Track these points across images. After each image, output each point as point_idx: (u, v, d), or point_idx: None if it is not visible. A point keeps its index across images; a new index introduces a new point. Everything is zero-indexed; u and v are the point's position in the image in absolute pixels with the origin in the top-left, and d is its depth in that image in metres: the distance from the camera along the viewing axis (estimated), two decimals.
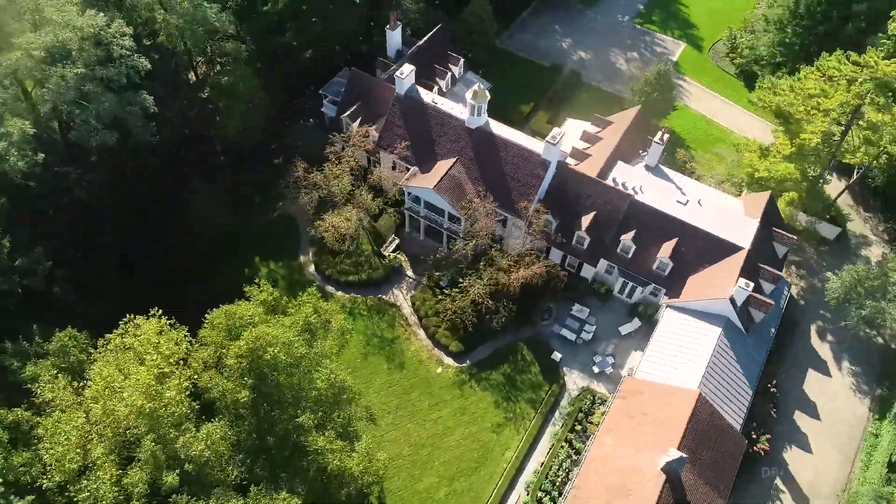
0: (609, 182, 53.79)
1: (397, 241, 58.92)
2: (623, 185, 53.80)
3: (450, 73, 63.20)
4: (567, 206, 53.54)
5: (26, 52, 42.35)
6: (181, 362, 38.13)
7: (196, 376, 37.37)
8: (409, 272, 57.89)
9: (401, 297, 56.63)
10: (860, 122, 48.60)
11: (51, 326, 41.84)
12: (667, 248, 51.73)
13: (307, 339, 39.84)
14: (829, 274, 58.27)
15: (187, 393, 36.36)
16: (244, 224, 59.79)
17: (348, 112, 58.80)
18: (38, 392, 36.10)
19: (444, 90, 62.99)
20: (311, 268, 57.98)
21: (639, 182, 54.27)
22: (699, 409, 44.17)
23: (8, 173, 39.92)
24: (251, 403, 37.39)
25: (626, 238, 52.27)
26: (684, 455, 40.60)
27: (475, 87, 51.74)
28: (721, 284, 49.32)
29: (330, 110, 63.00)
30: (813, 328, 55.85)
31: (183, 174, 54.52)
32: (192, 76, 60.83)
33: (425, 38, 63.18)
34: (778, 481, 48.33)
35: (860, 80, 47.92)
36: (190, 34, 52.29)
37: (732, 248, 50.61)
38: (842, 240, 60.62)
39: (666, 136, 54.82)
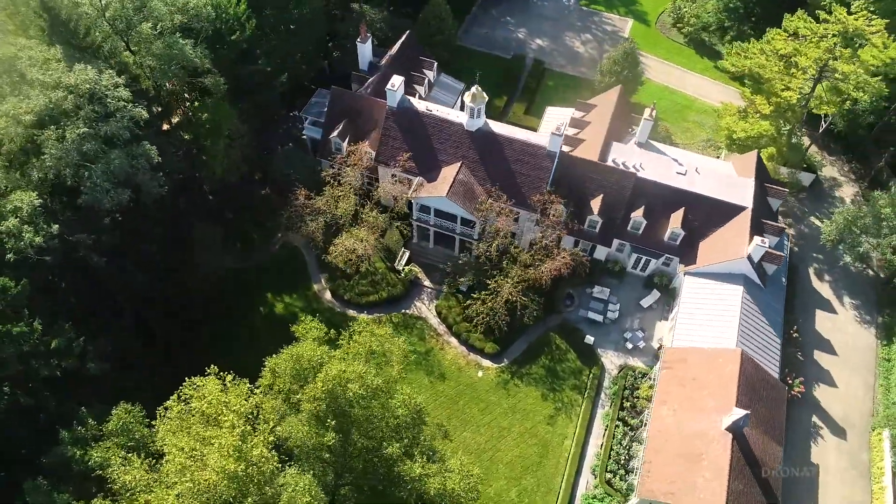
0: (610, 163, 55.28)
1: (408, 254, 58.44)
2: (623, 164, 55.41)
3: (426, 79, 62.95)
4: (574, 192, 54.60)
5: (13, 119, 39.20)
6: (253, 416, 36.71)
7: (278, 427, 36.04)
8: (427, 282, 57.62)
9: (424, 308, 56.32)
10: (836, 75, 52.01)
11: (89, 404, 39.42)
12: (676, 219, 53.78)
13: (375, 368, 39.16)
14: (813, 219, 62.57)
15: (272, 447, 35.11)
16: (248, 262, 57.91)
17: (336, 132, 57.57)
18: (115, 477, 33.82)
19: (424, 96, 62.70)
20: (328, 295, 56.71)
21: (637, 159, 56.03)
22: (745, 365, 46.49)
23: (23, 251, 36.90)
24: (336, 445, 36.49)
25: (637, 215, 53.97)
26: (748, 412, 42.69)
27: (473, 89, 51.83)
28: (735, 245, 51.80)
29: (314, 132, 61.46)
30: (811, 271, 59.61)
31: (183, 222, 51.97)
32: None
33: (397, 47, 62.64)
34: (815, 419, 51.57)
35: (830, 35, 51.33)
36: (161, 73, 49.72)
37: (736, 209, 53.20)
38: (815, 185, 64.81)
39: (654, 112, 56.80)
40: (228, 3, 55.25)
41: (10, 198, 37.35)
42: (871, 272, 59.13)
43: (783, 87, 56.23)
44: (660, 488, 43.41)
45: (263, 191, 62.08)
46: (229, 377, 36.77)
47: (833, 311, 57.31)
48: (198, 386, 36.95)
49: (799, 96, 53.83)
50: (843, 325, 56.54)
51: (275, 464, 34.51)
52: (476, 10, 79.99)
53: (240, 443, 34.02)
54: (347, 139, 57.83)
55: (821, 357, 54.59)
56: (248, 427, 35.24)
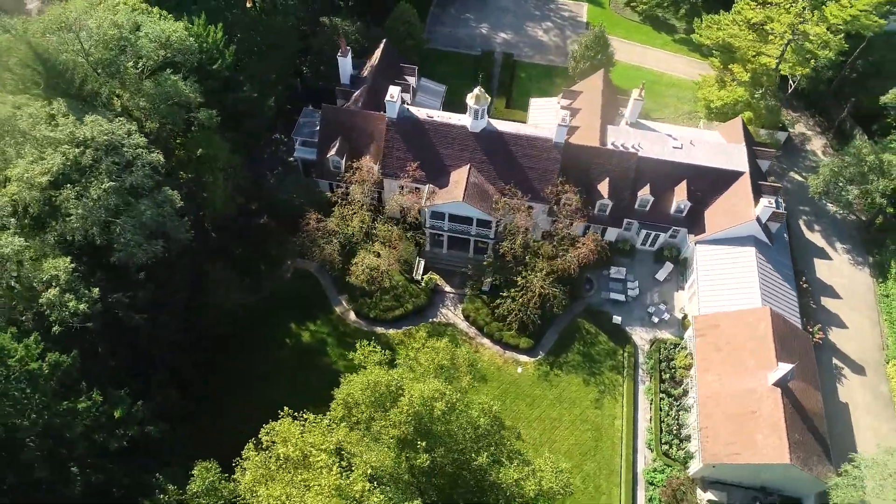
0: (610, 147, 56.64)
1: (423, 263, 58.13)
2: (623, 146, 56.89)
3: (410, 85, 62.47)
4: (580, 179, 55.64)
5: (26, 183, 36.60)
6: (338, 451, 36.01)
7: (372, 460, 35.39)
8: (448, 288, 57.56)
9: (450, 314, 56.29)
10: (811, 37, 55.05)
11: (150, 468, 37.64)
12: (680, 192, 55.75)
13: (448, 381, 39.01)
14: (793, 174, 66.20)
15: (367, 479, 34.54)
16: (263, 295, 56.09)
17: (334, 150, 56.51)
18: None
19: (410, 102, 62.19)
20: (352, 315, 55.78)
21: (634, 139, 57.63)
22: (775, 321, 48.87)
23: (67, 321, 34.65)
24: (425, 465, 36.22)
25: (644, 193, 55.63)
26: (794, 365, 45.00)
27: (476, 91, 51.91)
28: (742, 209, 54.16)
29: (306, 153, 60.06)
30: (801, 223, 63.10)
31: (196, 264, 49.94)
32: None
33: (378, 57, 61.83)
34: (835, 360, 54.86)
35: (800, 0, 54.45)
36: (155, 112, 47.54)
37: (735, 175, 55.64)
38: (787, 142, 68.43)
39: (643, 92, 58.52)
40: (207, 33, 53.21)
41: (44, 267, 34.87)
42: (853, 217, 63.12)
43: (755, 53, 59.10)
44: (722, 451, 45.24)
45: (261, 220, 60.34)
46: (310, 416, 35.94)
47: (828, 257, 60.94)
48: (275, 431, 35.94)
49: (775, 61, 56.68)
50: (839, 270, 60.24)
51: (377, 497, 34.00)
52: (434, 11, 79.77)
53: (339, 481, 33.39)
54: (345, 156, 56.85)
55: (827, 302, 58.04)
56: (344, 463, 34.66)
